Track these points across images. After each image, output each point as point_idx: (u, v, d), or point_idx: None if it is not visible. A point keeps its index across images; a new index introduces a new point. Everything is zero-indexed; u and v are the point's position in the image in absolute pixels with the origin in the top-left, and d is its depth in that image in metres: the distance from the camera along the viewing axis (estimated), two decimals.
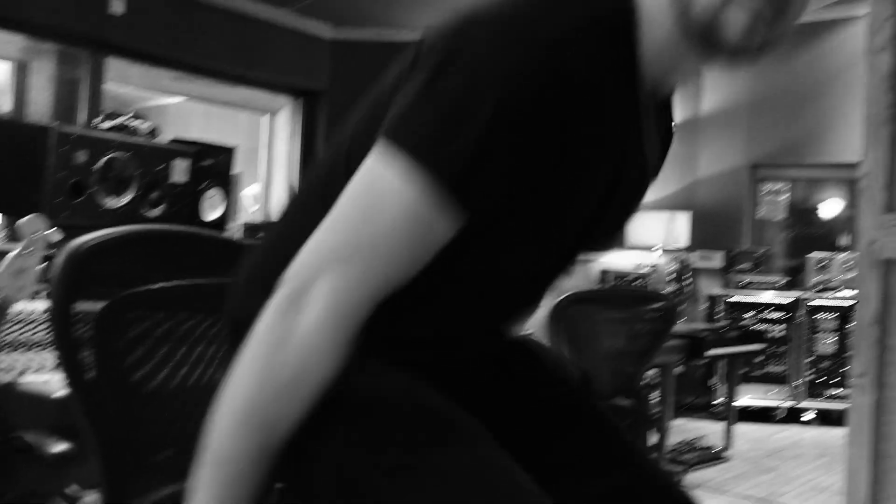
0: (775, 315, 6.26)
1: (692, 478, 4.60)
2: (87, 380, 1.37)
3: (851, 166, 6.52)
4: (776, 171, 7.02)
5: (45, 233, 2.33)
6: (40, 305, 2.72)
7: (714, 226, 6.81)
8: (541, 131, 0.91)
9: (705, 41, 0.97)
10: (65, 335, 1.34)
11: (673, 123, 1.27)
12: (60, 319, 1.34)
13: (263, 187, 6.50)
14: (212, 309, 1.60)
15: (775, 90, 6.69)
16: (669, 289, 6.44)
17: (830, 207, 7.37)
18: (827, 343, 6.19)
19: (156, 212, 3.44)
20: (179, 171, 3.53)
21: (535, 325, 3.05)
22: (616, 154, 1.03)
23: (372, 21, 6.16)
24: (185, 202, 3.56)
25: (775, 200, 7.21)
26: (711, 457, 5.03)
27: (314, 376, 0.90)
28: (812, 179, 7.26)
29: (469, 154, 0.88)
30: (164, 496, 1.48)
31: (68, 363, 1.35)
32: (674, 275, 6.69)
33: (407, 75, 0.96)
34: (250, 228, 4.42)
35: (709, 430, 5.61)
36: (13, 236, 3.35)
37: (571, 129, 0.93)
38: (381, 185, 0.90)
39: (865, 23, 2.29)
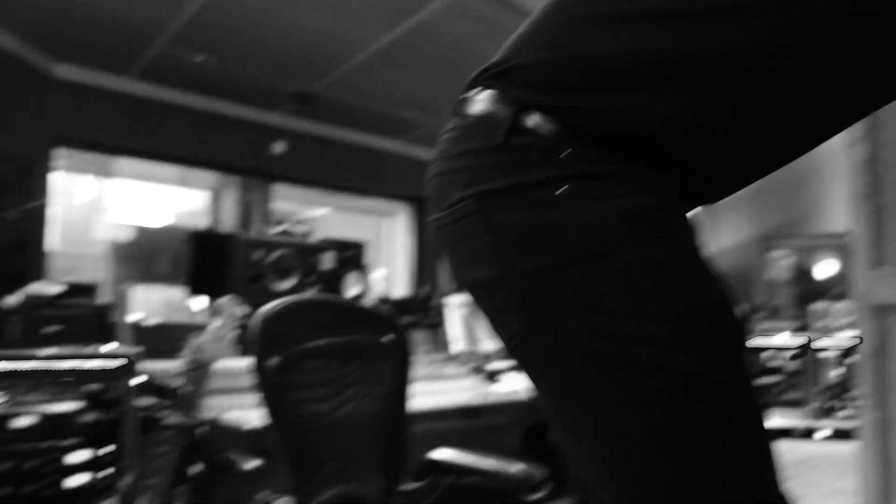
0: (788, 353, 6.01)
1: None
2: (278, 413, 1.42)
3: (841, 235, 6.35)
4: (781, 240, 6.83)
5: (236, 309, 2.46)
6: (235, 362, 2.82)
7: (732, 285, 6.61)
8: None
9: None
10: (262, 379, 1.39)
11: None
12: (259, 367, 1.38)
13: (386, 272, 6.62)
14: (355, 359, 1.66)
15: (777, 177, 6.53)
16: None
17: (826, 267, 7.11)
18: (832, 374, 5.91)
19: (312, 292, 3.54)
20: (328, 260, 3.64)
21: None
22: None
23: None
24: (333, 284, 3.66)
25: (781, 264, 7.00)
26: None
27: None
28: (810, 246, 7.03)
29: None
30: (330, 497, 1.51)
31: (267, 400, 1.38)
32: None
33: None
34: (378, 301, 4.51)
35: None
36: (213, 313, 3.51)
37: None
38: None
39: None
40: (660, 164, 0.76)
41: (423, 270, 6.34)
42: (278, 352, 1.43)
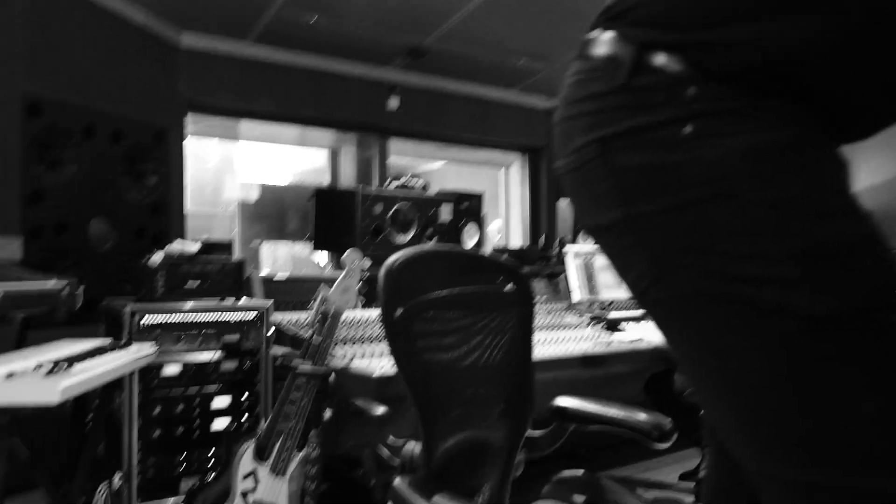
0: None
1: None
2: (405, 360, 1.44)
3: None
4: None
5: (359, 262, 2.51)
6: (361, 312, 2.91)
7: (882, 227, 6.11)
8: None
9: None
10: (389, 328, 1.41)
11: None
12: (386, 316, 1.40)
13: (503, 222, 6.60)
14: (479, 308, 1.66)
15: None
16: None
17: None
18: None
19: (430, 244, 3.58)
20: (445, 213, 3.66)
21: None
22: None
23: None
24: (451, 236, 3.68)
25: None
26: None
27: None
28: None
29: None
30: (456, 442, 1.53)
31: (394, 348, 1.40)
32: None
33: None
34: (496, 250, 4.51)
35: None
36: (338, 266, 3.62)
37: None
38: None
39: None
40: (799, 96, 0.70)
41: (539, 220, 6.28)
42: (404, 302, 1.44)
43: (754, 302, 0.68)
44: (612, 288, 3.84)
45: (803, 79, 0.69)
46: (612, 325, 3.33)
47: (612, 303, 3.64)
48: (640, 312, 3.58)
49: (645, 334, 3.15)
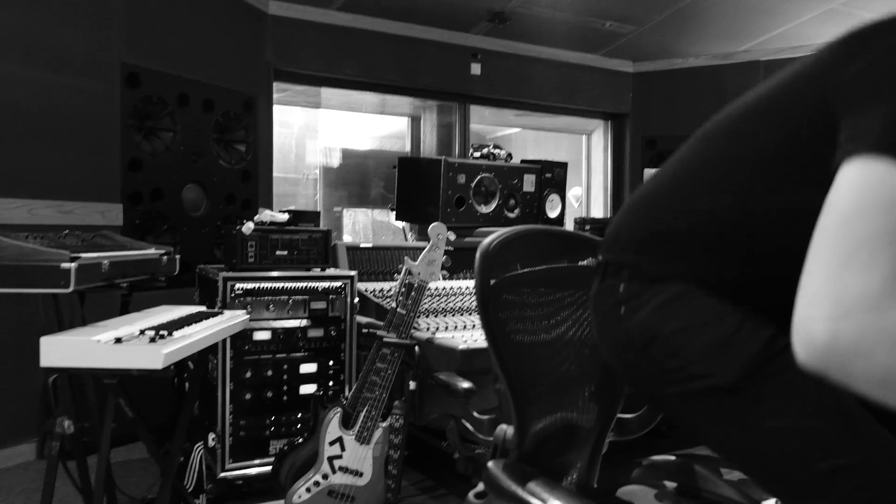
0: None
1: None
2: (494, 331, 1.43)
3: None
4: None
5: (444, 234, 2.50)
6: (445, 284, 2.92)
7: None
8: None
9: None
10: (485, 305, 1.39)
11: None
12: (482, 293, 1.38)
13: (585, 191, 6.48)
14: (565, 285, 1.63)
15: None
16: None
17: None
18: None
19: (514, 214, 3.54)
20: (528, 182, 3.61)
21: None
22: None
23: (662, 55, 5.90)
24: (534, 205, 3.63)
25: None
26: None
27: None
28: None
29: None
30: (547, 424, 1.51)
31: (487, 323, 1.38)
32: None
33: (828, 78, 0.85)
34: (578, 222, 4.43)
35: None
36: (420, 235, 3.63)
37: None
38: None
39: None
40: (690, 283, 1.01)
41: (623, 189, 6.13)
42: (498, 277, 1.43)
43: (697, 391, 0.95)
44: None
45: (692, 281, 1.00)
46: None
47: None
48: None
49: None
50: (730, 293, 0.96)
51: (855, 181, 0.73)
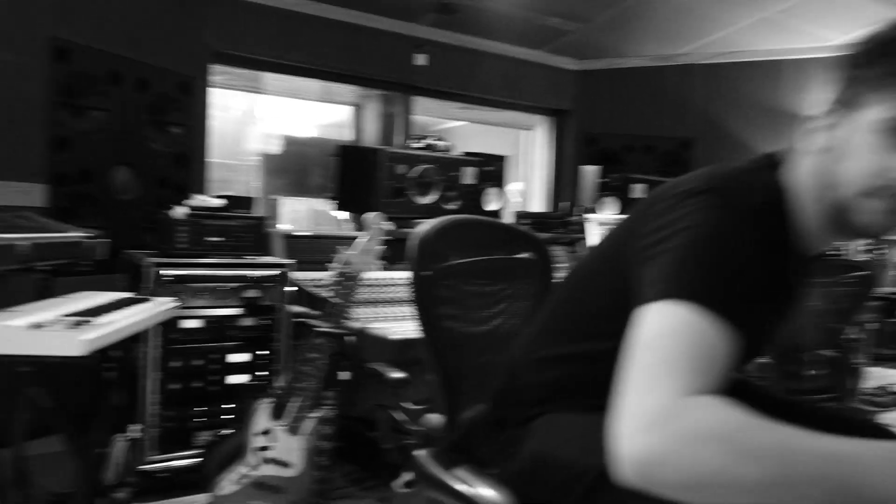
0: None
1: (886, 417, 4.11)
2: (428, 325, 1.43)
3: None
4: None
5: (382, 224, 2.48)
6: (380, 275, 2.89)
7: None
8: (752, 274, 0.89)
9: (837, 222, 0.95)
10: (417, 292, 1.41)
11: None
12: (415, 282, 1.40)
13: (525, 184, 6.53)
14: (503, 277, 1.64)
15: None
16: (863, 258, 5.75)
17: None
18: None
19: (453, 206, 3.54)
20: (468, 175, 3.61)
21: None
22: (781, 300, 1.04)
23: (605, 54, 5.99)
24: (473, 198, 3.64)
25: None
26: None
27: None
28: None
29: (730, 291, 0.85)
30: (475, 414, 1.50)
31: (419, 313, 1.40)
32: (866, 246, 5.97)
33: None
34: (517, 216, 4.46)
35: None
36: (359, 227, 3.60)
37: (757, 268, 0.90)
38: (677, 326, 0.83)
39: None
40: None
41: (562, 185, 6.20)
42: (432, 267, 1.43)
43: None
44: None
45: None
46: None
47: None
48: None
49: None
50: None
51: (646, 320, 0.84)
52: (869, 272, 2.70)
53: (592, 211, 4.04)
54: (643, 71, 6.42)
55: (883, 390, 4.48)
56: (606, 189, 4.17)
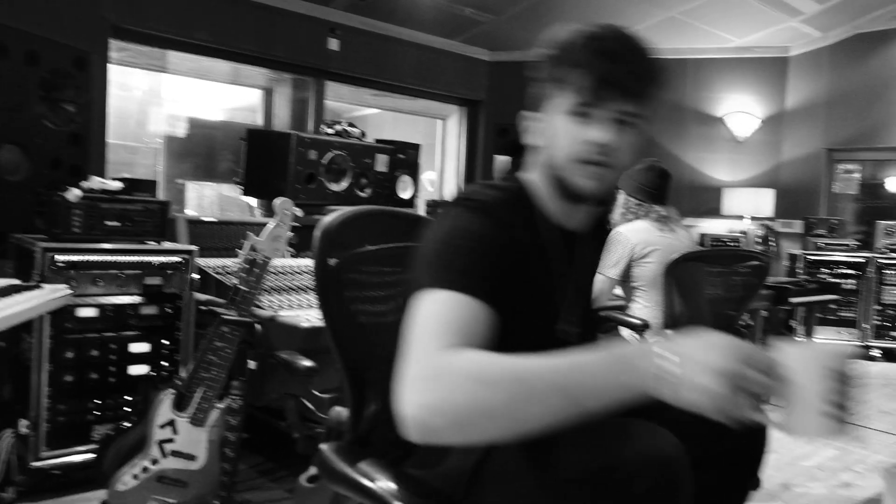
0: (847, 271, 5.82)
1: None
2: (332, 312, 1.40)
3: None
4: (849, 154, 6.49)
5: (291, 210, 2.42)
6: (290, 262, 2.83)
7: (794, 199, 6.38)
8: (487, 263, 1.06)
9: (564, 191, 1.15)
10: (324, 280, 1.39)
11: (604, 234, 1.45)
12: (320, 272, 1.38)
13: (438, 174, 6.55)
14: (400, 267, 1.62)
15: (849, 88, 6.17)
16: (757, 249, 6.08)
17: (895, 183, 6.78)
18: (892, 294, 5.72)
19: (365, 193, 3.50)
20: (381, 163, 3.58)
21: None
22: (543, 272, 1.19)
23: (517, 46, 6.06)
24: (386, 186, 3.61)
25: (848, 178, 6.68)
26: None
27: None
28: (880, 160, 6.67)
29: (466, 273, 1.04)
30: (378, 408, 1.49)
31: (323, 304, 1.38)
32: (760, 238, 6.32)
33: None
34: (430, 204, 4.46)
35: None
36: (268, 211, 3.50)
37: (503, 259, 1.08)
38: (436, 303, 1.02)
39: None
40: None
41: (475, 174, 6.25)
42: (337, 255, 1.41)
43: None
44: None
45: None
46: None
47: None
48: None
49: None
50: None
51: (414, 308, 1.02)
52: (762, 262, 2.83)
53: None
54: None
55: None
56: None
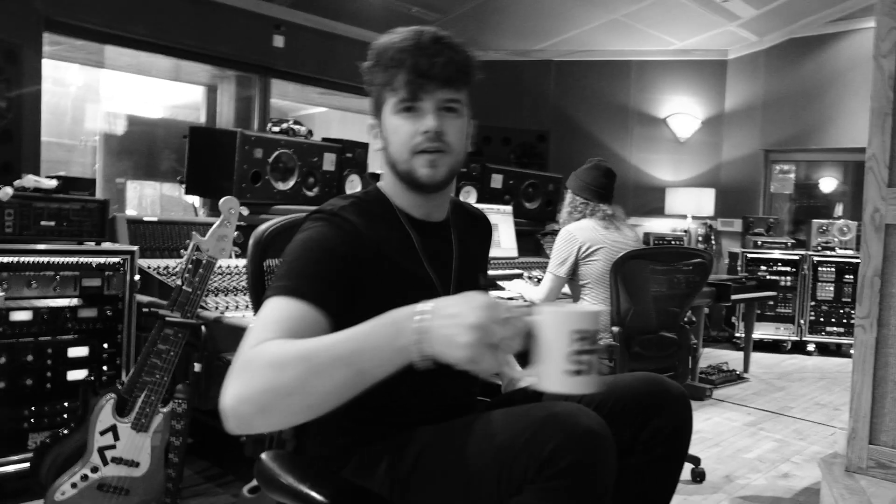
0: (784, 268, 6.03)
1: (718, 393, 4.49)
2: None
3: (846, 150, 6.23)
4: (785, 154, 6.72)
5: (237, 209, 2.38)
6: (236, 262, 2.77)
7: (734, 198, 6.57)
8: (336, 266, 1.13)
9: (412, 184, 1.23)
10: (257, 286, 1.43)
11: (476, 224, 1.52)
12: (253, 277, 1.44)
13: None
14: None
15: (785, 91, 6.39)
16: (699, 248, 6.25)
17: (828, 184, 7.04)
18: (826, 290, 5.94)
19: (312, 192, 3.45)
20: (329, 161, 3.53)
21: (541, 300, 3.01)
22: (404, 266, 1.24)
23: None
24: (333, 184, 3.57)
25: (784, 178, 6.92)
26: (734, 378, 4.89)
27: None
28: (814, 161, 6.93)
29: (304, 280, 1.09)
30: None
31: (257, 303, 1.40)
32: (701, 237, 6.49)
33: None
34: None
35: (731, 357, 5.47)
36: (212, 211, 3.43)
37: (355, 261, 1.15)
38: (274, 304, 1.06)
39: (871, 33, 2.14)
40: None
41: None
42: (268, 262, 1.46)
43: None
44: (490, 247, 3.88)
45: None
46: (490, 284, 3.38)
47: (490, 261, 3.68)
48: (515, 271, 3.65)
49: (524, 291, 3.22)
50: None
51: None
52: (704, 260, 2.91)
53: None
54: (501, 64, 6.59)
55: (715, 369, 4.90)
56: (466, 178, 4.24)
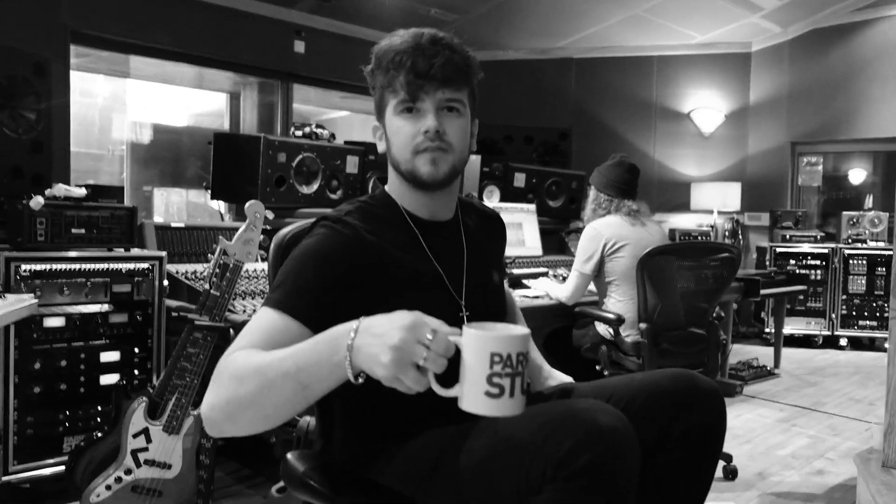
0: (814, 262, 5.94)
1: (749, 390, 4.43)
2: None
3: (875, 140, 6.12)
4: (813, 146, 6.62)
5: (262, 213, 2.40)
6: (262, 265, 2.80)
7: (761, 192, 6.49)
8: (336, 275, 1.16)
9: (415, 182, 1.24)
10: None
11: (489, 220, 1.52)
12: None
13: None
14: None
15: (810, 82, 6.30)
16: (728, 242, 6.17)
17: (857, 175, 6.92)
18: (858, 283, 5.84)
19: (336, 195, 3.47)
20: (352, 164, 3.55)
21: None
22: (412, 265, 1.24)
23: (485, 46, 6.10)
24: (357, 187, 3.59)
25: (812, 170, 6.82)
26: (765, 374, 4.83)
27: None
28: (842, 152, 6.82)
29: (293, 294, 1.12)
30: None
31: None
32: (728, 232, 6.42)
33: None
34: None
35: (761, 353, 5.40)
36: (238, 216, 3.47)
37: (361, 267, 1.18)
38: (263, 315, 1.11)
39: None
40: None
41: None
42: None
43: None
44: (514, 245, 3.89)
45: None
46: (515, 283, 3.38)
47: (514, 260, 3.68)
48: (540, 269, 3.64)
49: (549, 289, 3.21)
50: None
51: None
52: (732, 255, 2.87)
53: (479, 199, 4.10)
54: (521, 63, 6.59)
55: (745, 365, 4.84)
56: (489, 178, 4.24)
